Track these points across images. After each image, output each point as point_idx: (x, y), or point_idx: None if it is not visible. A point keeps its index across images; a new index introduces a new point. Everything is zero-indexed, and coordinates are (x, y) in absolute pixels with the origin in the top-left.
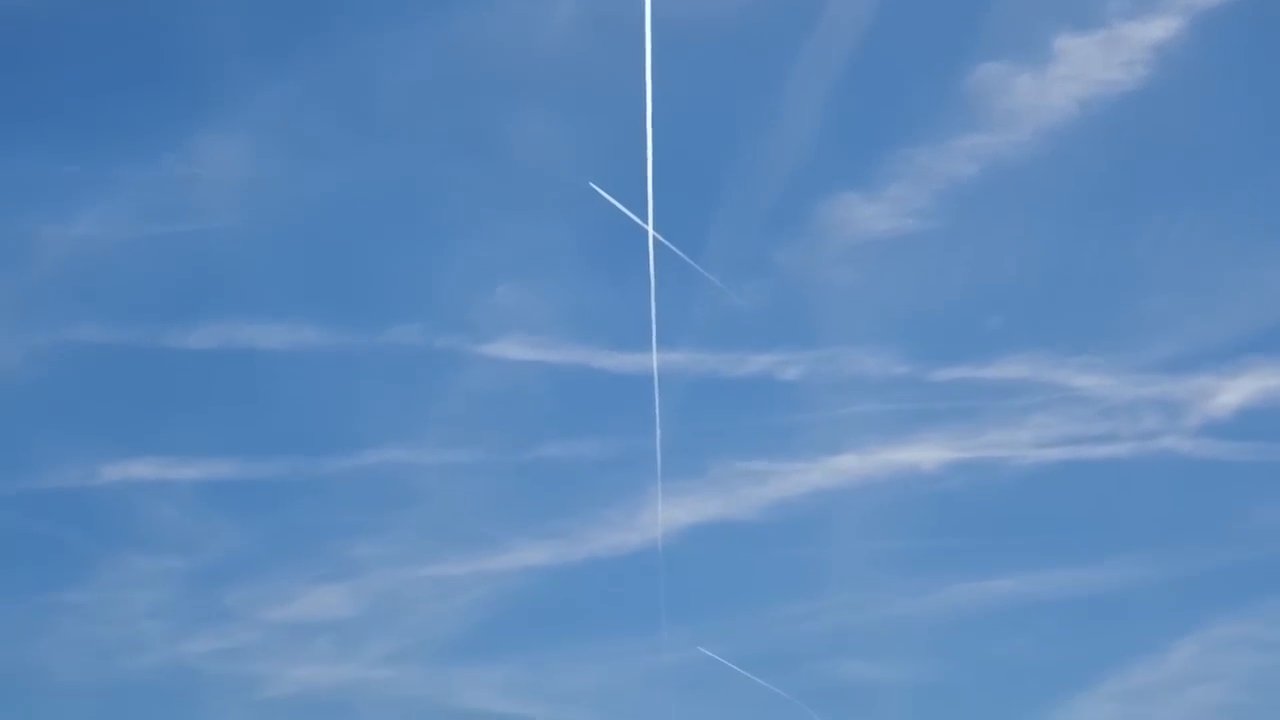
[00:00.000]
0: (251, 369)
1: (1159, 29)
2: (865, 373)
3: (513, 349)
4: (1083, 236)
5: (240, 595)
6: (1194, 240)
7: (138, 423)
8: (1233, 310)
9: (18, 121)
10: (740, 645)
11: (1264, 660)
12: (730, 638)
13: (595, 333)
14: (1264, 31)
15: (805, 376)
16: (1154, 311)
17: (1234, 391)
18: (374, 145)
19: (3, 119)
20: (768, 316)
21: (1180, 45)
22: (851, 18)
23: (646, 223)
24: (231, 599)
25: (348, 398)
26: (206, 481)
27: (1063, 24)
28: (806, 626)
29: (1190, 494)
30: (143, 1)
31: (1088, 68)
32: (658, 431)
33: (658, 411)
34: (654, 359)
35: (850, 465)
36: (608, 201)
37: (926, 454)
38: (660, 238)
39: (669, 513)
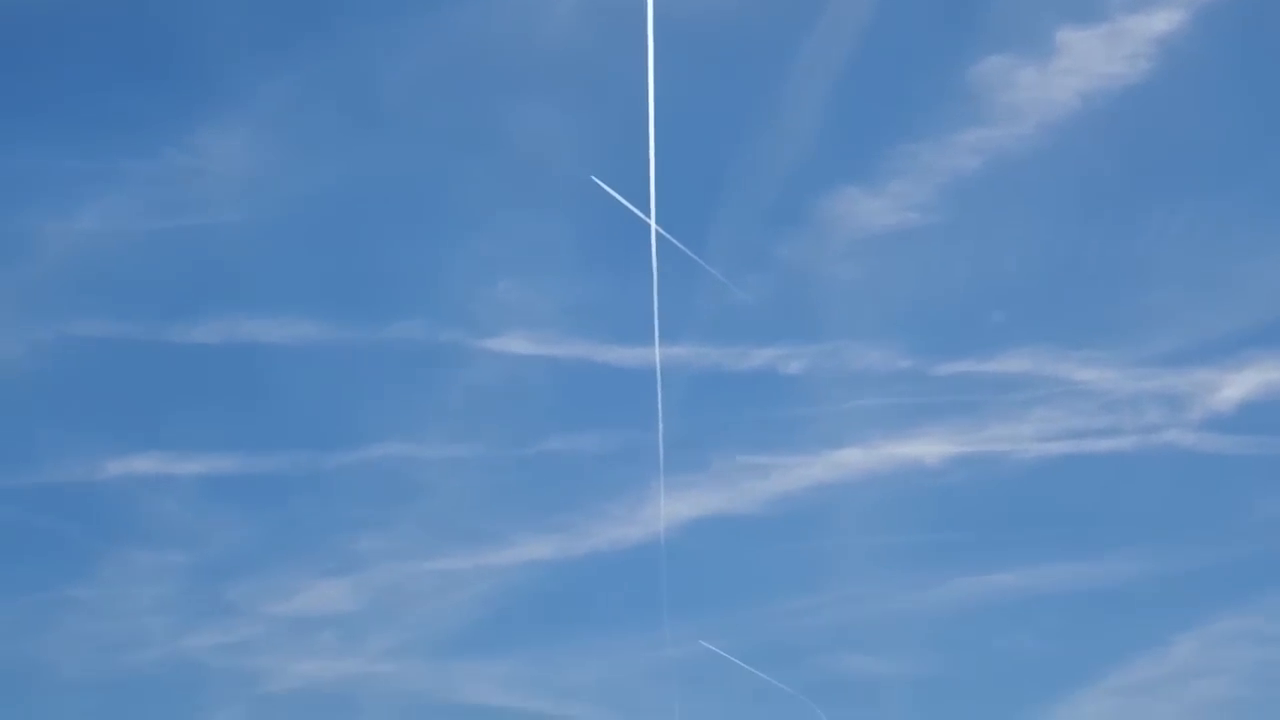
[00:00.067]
0: (254, 364)
1: (1161, 22)
2: (868, 367)
3: (515, 343)
4: (1085, 230)
5: (243, 590)
6: (1196, 234)
7: (141, 417)
8: (1235, 304)
9: (20, 116)
10: (742, 639)
11: (1266, 654)
12: (732, 632)
13: (598, 327)
14: (1266, 25)
15: (808, 370)
16: (1156, 305)
17: (1236, 385)
18: (376, 140)
19: (5, 114)
20: (770, 310)
21: (1183, 38)
22: (854, 11)
23: (649, 216)
24: (234, 594)
25: (350, 392)
26: (209, 476)
27: (1065, 17)
28: (808, 620)
29: (1192, 488)
30: None
31: (1090, 61)
32: (660, 425)
33: (660, 406)
34: (656, 353)
35: (853, 459)
36: (610, 195)
37: (929, 448)
38: (663, 231)
39: (671, 507)
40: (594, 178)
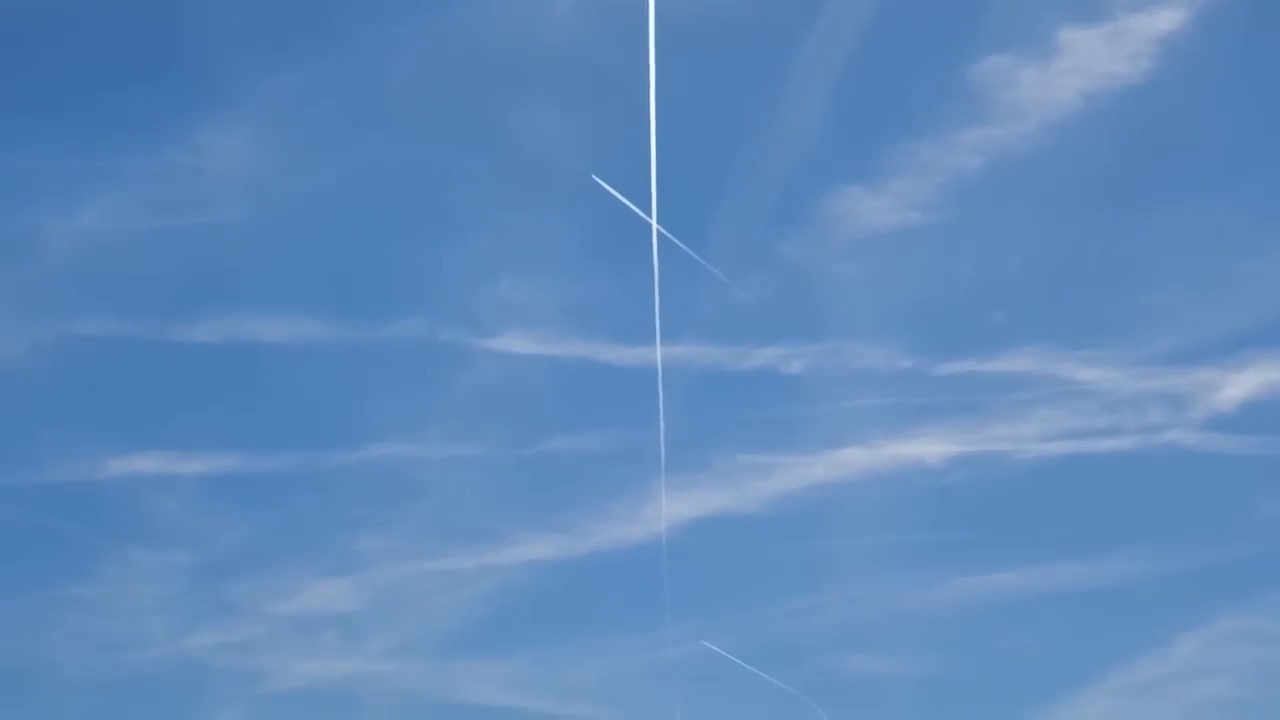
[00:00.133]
0: (256, 363)
1: (1164, 21)
2: (869, 366)
3: (516, 343)
4: (1087, 229)
5: (245, 589)
6: (1199, 233)
7: (142, 417)
8: (1237, 303)
9: (21, 115)
10: (744, 639)
11: (1268, 654)
12: (734, 631)
13: (599, 326)
14: (1268, 24)
15: (809, 370)
16: (1158, 305)
17: (1238, 385)
18: (378, 138)
19: (6, 112)
20: (772, 310)
21: (1185, 38)
22: (855, 10)
23: (650, 216)
24: (236, 593)
25: (352, 392)
26: (211, 475)
27: (1067, 16)
28: (810, 620)
29: (1194, 487)
30: None
31: (1092, 60)
32: (662, 425)
33: (662, 405)
34: (658, 352)
35: (854, 459)
36: (611, 195)
37: (931, 447)
38: (664, 231)
39: (673, 506)
40: (595, 177)
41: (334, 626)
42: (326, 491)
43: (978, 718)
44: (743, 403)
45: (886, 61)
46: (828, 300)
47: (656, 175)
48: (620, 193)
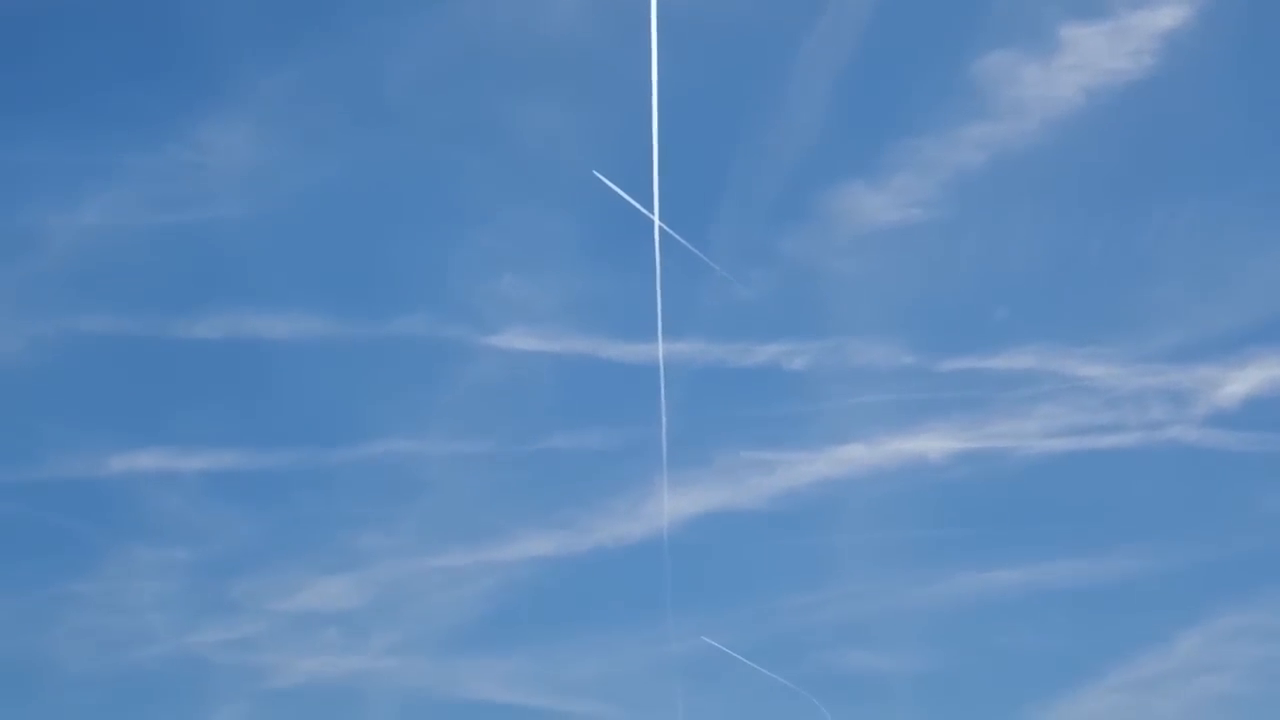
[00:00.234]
0: (257, 360)
1: (1166, 18)
2: (871, 363)
3: (518, 339)
4: (1089, 226)
5: (247, 586)
6: (1200, 230)
7: (144, 413)
8: (1239, 300)
9: (23, 111)
10: (745, 635)
11: (1269, 650)
12: (736, 627)
13: (601, 323)
14: (1270, 21)
15: (811, 366)
16: (1160, 301)
17: (1240, 381)
18: (379, 134)
19: (8, 108)
20: (774, 306)
21: (1187, 34)
22: (857, 7)
23: (652, 212)
24: (238, 590)
25: (354, 388)
26: (213, 472)
27: (1069, 13)
28: (812, 616)
29: (1196, 484)
30: None
31: (1094, 57)
32: (663, 421)
33: (663, 401)
34: (660, 349)
35: (857, 455)
36: (613, 191)
37: (933, 444)
38: (666, 227)
39: (675, 503)
40: (597, 173)
41: (336, 623)
42: (328, 488)
43: (979, 714)
44: (744, 399)
45: (888, 58)
46: (830, 297)
47: (658, 171)
48: (622, 189)
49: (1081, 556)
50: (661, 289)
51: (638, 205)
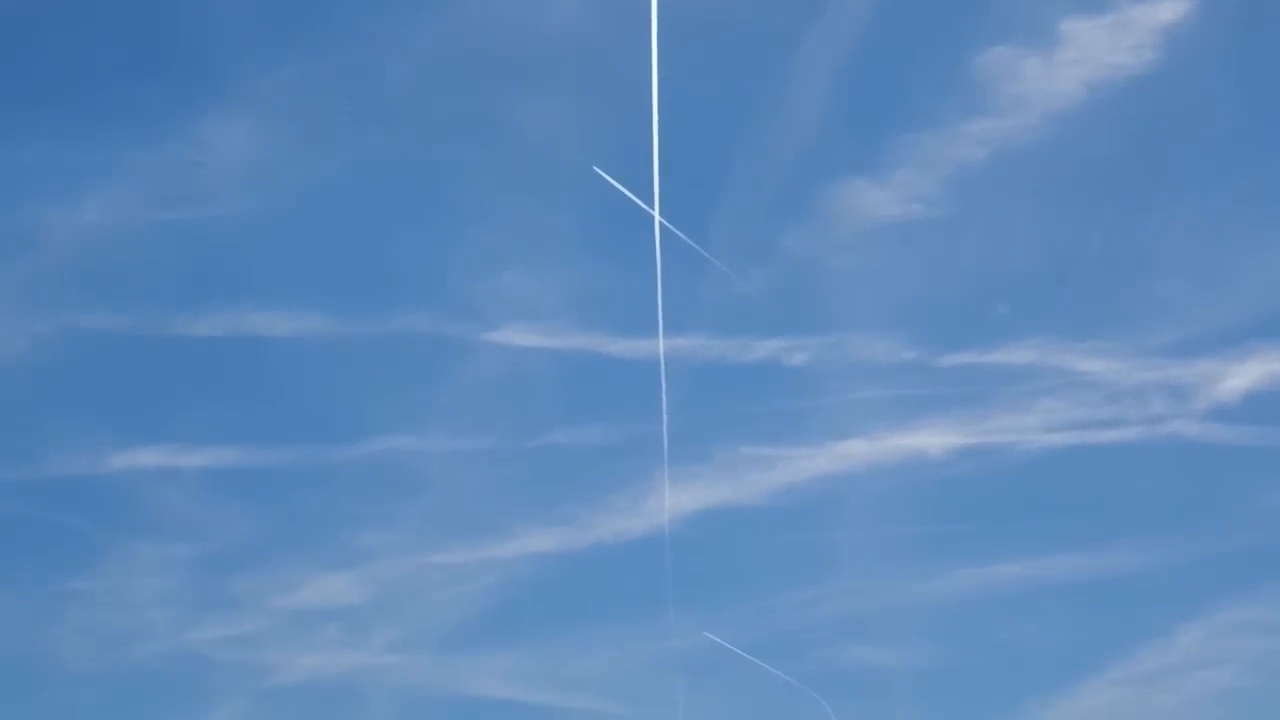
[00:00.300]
0: (258, 357)
1: (1167, 12)
2: (872, 358)
3: (519, 335)
4: (1090, 221)
5: (248, 583)
6: (1201, 225)
7: (145, 411)
8: (1240, 295)
9: (23, 109)
10: (747, 631)
11: (1270, 645)
12: (737, 623)
13: (602, 319)
14: (1271, 15)
15: (812, 362)
16: (1161, 296)
17: (1241, 376)
18: (380, 131)
19: (8, 105)
20: (774, 302)
21: (1188, 28)
22: (858, 2)
23: (653, 208)
24: (239, 587)
25: (354, 385)
26: (213, 469)
27: (1070, 7)
28: (813, 612)
29: (1196, 479)
30: None
31: (1095, 51)
32: (664, 417)
33: (664, 397)
34: (660, 345)
35: (857, 451)
36: (614, 187)
37: (933, 439)
38: (666, 223)
39: (676, 498)
40: (597, 169)
41: (337, 620)
42: (329, 485)
43: (980, 708)
44: (745, 395)
45: (889, 53)
46: (830, 292)
47: (659, 167)
48: (623, 185)
49: (1082, 551)
50: (662, 285)
51: (638, 201)
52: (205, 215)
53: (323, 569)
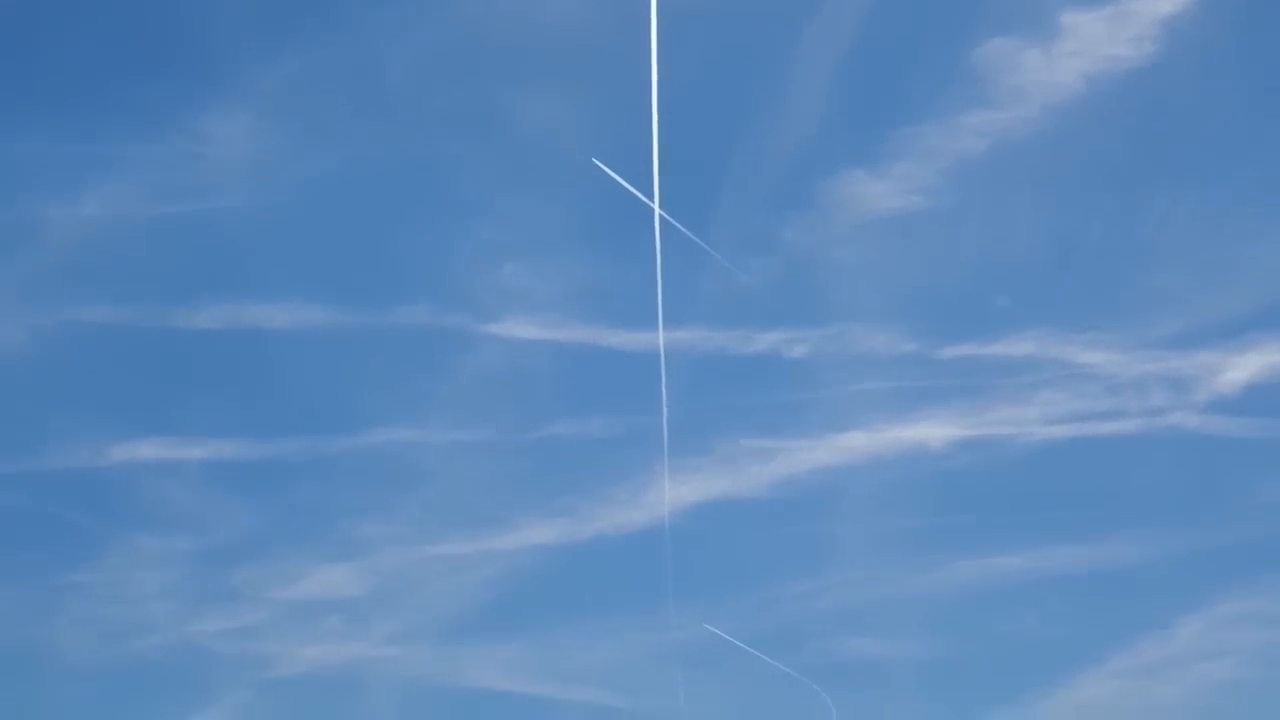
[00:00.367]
0: (258, 349)
1: (1167, 4)
2: (872, 350)
3: (519, 328)
4: (1089, 213)
5: (248, 575)
6: (1201, 217)
7: (145, 403)
8: (1239, 286)
9: (24, 102)
10: (747, 622)
11: (1270, 636)
12: (737, 615)
13: (601, 311)
14: (1272, 7)
15: (812, 354)
16: (1161, 288)
17: (1241, 368)
18: (380, 124)
19: (8, 99)
20: (774, 294)
21: (1188, 20)
22: None
23: (652, 201)
24: (239, 579)
25: (354, 377)
26: (214, 462)
27: None
28: (813, 603)
29: (1196, 470)
30: None
31: (1095, 43)
32: (664, 410)
33: (664, 390)
34: (660, 337)
35: (857, 443)
36: (614, 180)
37: (933, 431)
38: (666, 215)
39: (676, 491)
40: (596, 161)
41: (337, 612)
42: (329, 477)
43: (980, 700)
44: (745, 387)
45: (889, 45)
46: (830, 284)
47: (658, 159)
48: (622, 177)
49: (1082, 543)
50: (662, 277)
51: (638, 194)
52: (205, 208)
53: (323, 561)
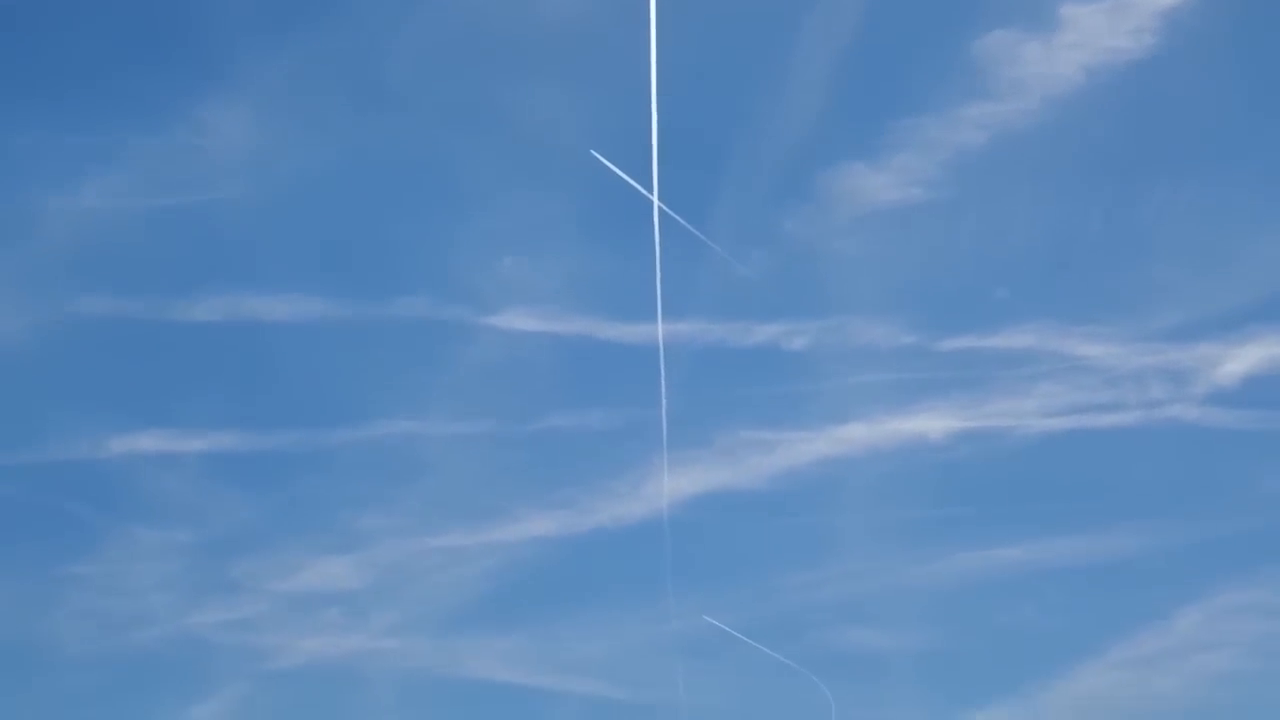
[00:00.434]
0: (257, 341)
1: None
2: (871, 342)
3: (518, 320)
4: (1089, 205)
5: (248, 567)
6: (1200, 209)
7: (144, 395)
8: (1239, 278)
9: (23, 94)
10: (746, 614)
11: (1269, 627)
12: (736, 607)
13: (601, 303)
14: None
15: (811, 346)
16: (1160, 280)
17: (1240, 360)
18: (379, 116)
19: (7, 91)
20: (774, 286)
21: (1188, 12)
22: None
23: (651, 192)
24: (239, 571)
25: (354, 369)
26: (213, 454)
27: None
28: (812, 595)
29: (1196, 462)
30: None
31: (1095, 35)
32: (663, 401)
33: (663, 382)
34: (659, 329)
35: (857, 434)
36: (613, 172)
37: (933, 423)
38: (665, 208)
39: (675, 482)
40: (595, 153)
41: (337, 604)
42: (329, 469)
43: (979, 691)
44: (745, 379)
45: (889, 37)
46: (830, 276)
47: (658, 151)
48: (621, 169)
49: (1081, 534)
50: (661, 269)
51: (637, 186)
52: (205, 200)
53: (323, 553)
